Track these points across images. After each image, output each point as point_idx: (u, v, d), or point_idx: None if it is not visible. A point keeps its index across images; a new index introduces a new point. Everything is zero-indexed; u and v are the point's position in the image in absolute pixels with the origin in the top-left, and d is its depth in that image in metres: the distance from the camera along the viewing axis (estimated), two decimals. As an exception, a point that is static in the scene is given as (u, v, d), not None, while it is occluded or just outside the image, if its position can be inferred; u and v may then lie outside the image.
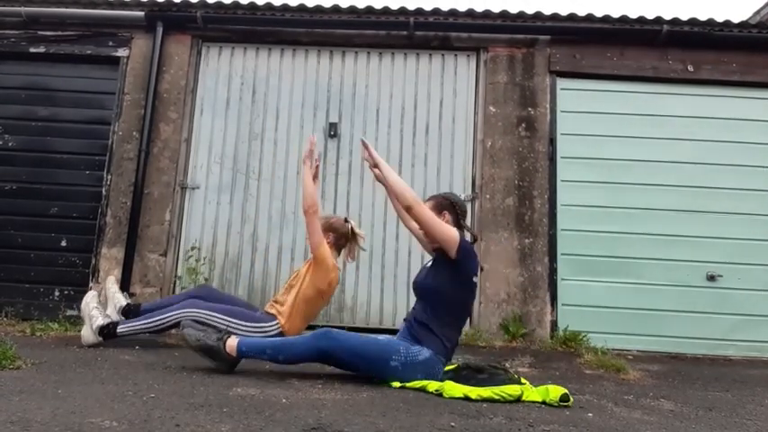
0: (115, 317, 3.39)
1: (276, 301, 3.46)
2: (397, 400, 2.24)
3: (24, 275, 4.71)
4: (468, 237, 2.71)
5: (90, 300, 3.40)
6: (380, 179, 2.88)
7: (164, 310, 3.34)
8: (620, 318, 4.52)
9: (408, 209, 2.58)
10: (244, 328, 3.25)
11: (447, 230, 2.57)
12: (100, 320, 3.29)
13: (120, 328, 3.29)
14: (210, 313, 3.28)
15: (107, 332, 3.28)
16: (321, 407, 2.03)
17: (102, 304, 3.45)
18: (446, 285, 2.58)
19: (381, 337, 2.68)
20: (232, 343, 2.60)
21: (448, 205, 2.73)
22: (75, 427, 1.63)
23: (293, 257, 4.72)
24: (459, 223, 2.70)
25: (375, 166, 2.84)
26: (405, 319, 2.73)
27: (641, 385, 3.06)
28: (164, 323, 3.31)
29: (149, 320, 3.31)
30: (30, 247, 4.76)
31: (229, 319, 3.28)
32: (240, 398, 2.13)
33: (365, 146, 2.87)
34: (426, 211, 2.58)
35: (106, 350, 3.26)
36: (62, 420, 1.69)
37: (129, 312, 3.41)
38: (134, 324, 3.32)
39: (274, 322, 3.31)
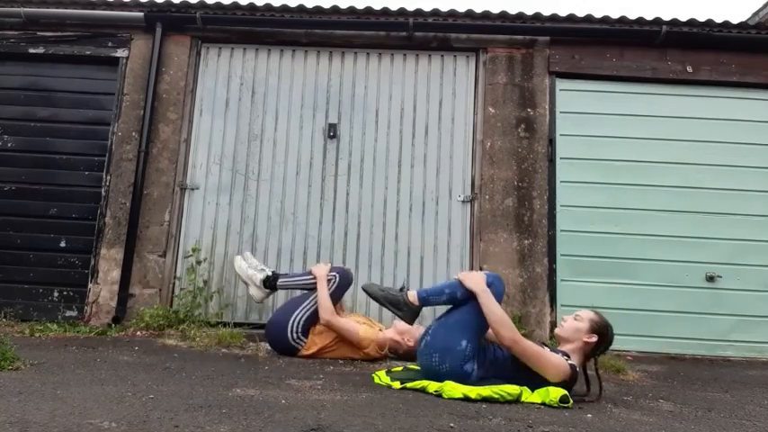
0: (267, 270, 3.75)
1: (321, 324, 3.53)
2: (397, 401, 2.24)
3: (23, 276, 4.70)
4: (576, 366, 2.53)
5: (240, 263, 3.79)
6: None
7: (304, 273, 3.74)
8: (620, 318, 4.47)
9: (513, 343, 2.43)
10: (295, 323, 3.43)
11: (557, 364, 2.42)
12: (259, 276, 3.68)
13: (279, 282, 3.69)
14: (325, 295, 3.49)
15: (269, 283, 3.68)
16: (320, 408, 2.03)
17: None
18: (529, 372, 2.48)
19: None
20: (412, 293, 2.80)
21: (603, 334, 2.54)
22: (74, 428, 1.63)
23: (292, 258, 4.72)
24: (594, 353, 2.58)
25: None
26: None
27: (640, 386, 3.06)
28: (313, 282, 3.58)
29: (305, 278, 3.65)
30: (29, 248, 4.75)
31: (311, 311, 3.46)
32: (239, 399, 2.13)
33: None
34: (530, 348, 2.43)
35: (105, 351, 3.26)
36: (61, 421, 1.69)
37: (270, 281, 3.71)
38: (291, 279, 3.71)
39: (304, 340, 3.45)
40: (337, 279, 3.57)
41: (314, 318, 3.47)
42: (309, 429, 1.73)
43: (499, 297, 2.61)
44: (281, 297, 4.40)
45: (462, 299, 2.64)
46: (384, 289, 2.85)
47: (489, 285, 2.60)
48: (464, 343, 2.52)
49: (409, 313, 2.77)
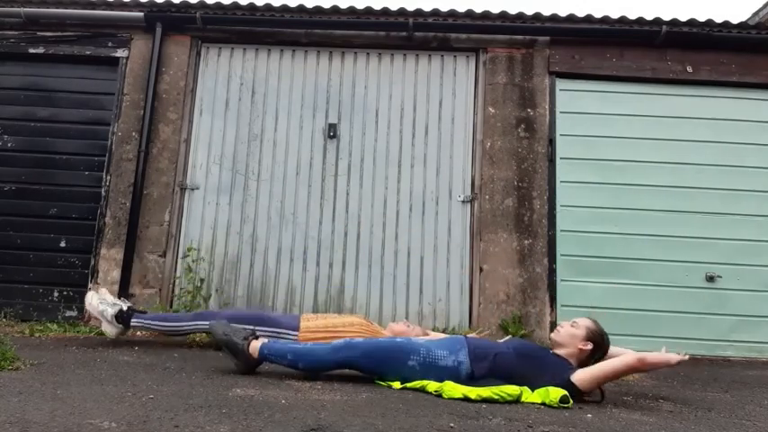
0: (123, 304, 3.51)
1: (316, 319, 3.49)
2: (397, 400, 2.24)
3: (23, 276, 4.70)
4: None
5: (91, 299, 3.48)
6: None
7: (178, 317, 3.52)
8: (619, 318, 4.52)
9: (639, 368, 2.50)
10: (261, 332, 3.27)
11: (603, 383, 2.48)
12: (110, 311, 3.41)
13: (133, 321, 3.43)
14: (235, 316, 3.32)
15: (122, 319, 3.41)
16: (320, 408, 2.03)
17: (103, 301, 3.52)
18: (537, 369, 2.49)
19: (401, 339, 2.76)
20: (255, 345, 2.66)
21: (598, 343, 2.56)
22: (74, 428, 1.63)
23: (292, 258, 4.72)
24: (588, 360, 2.56)
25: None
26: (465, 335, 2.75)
27: (640, 386, 3.06)
28: (177, 330, 3.44)
29: (164, 323, 3.45)
30: (29, 248, 4.75)
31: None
32: (239, 399, 2.13)
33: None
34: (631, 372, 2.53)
35: (105, 351, 3.26)
36: (61, 421, 1.69)
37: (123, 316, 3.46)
38: (147, 321, 3.46)
39: (294, 334, 3.35)
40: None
41: (253, 319, 3.38)
42: (309, 429, 1.73)
43: None
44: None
45: (306, 370, 2.67)
46: (228, 333, 2.68)
47: None
48: (411, 362, 2.55)
49: (243, 365, 2.66)
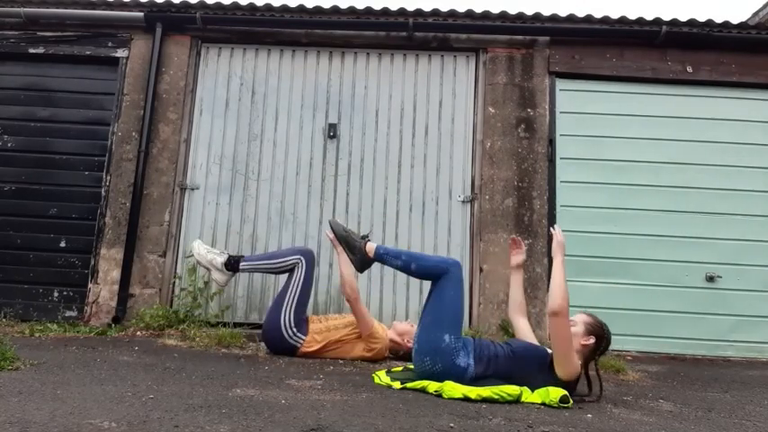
0: (227, 253, 3.66)
1: (320, 321, 3.52)
2: (397, 401, 2.24)
3: (23, 276, 4.70)
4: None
5: (199, 249, 3.66)
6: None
7: (281, 252, 3.75)
8: (620, 318, 4.51)
9: (553, 314, 2.40)
10: (286, 317, 3.38)
11: (574, 364, 2.43)
12: (219, 259, 3.57)
13: (242, 265, 3.58)
14: (298, 281, 3.48)
15: (231, 266, 3.57)
16: (320, 408, 2.03)
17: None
18: (533, 369, 2.50)
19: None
20: (371, 245, 2.88)
21: (601, 335, 2.52)
22: (74, 428, 1.63)
23: (292, 258, 4.71)
24: (593, 355, 2.57)
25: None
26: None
27: (640, 386, 3.06)
28: (282, 266, 3.56)
29: (270, 261, 3.62)
30: (29, 248, 4.75)
31: (296, 300, 3.43)
32: (239, 399, 2.13)
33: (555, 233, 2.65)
34: (565, 331, 2.40)
35: (105, 351, 3.26)
36: (61, 421, 1.69)
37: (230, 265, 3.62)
38: (255, 263, 3.64)
39: (302, 338, 3.38)
40: (304, 263, 3.51)
41: (301, 307, 3.44)
42: (309, 429, 1.73)
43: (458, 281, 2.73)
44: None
45: (417, 273, 2.79)
46: (348, 230, 2.95)
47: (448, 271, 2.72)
48: (446, 337, 2.57)
49: (359, 261, 2.87)
